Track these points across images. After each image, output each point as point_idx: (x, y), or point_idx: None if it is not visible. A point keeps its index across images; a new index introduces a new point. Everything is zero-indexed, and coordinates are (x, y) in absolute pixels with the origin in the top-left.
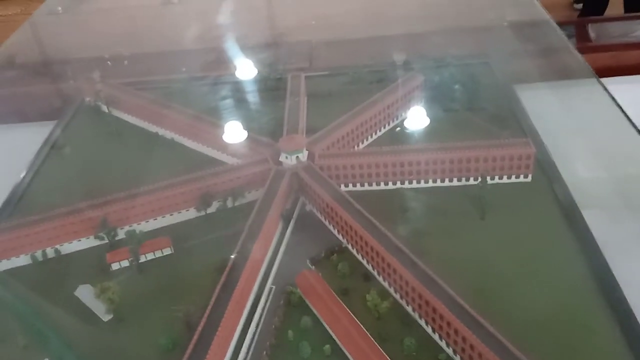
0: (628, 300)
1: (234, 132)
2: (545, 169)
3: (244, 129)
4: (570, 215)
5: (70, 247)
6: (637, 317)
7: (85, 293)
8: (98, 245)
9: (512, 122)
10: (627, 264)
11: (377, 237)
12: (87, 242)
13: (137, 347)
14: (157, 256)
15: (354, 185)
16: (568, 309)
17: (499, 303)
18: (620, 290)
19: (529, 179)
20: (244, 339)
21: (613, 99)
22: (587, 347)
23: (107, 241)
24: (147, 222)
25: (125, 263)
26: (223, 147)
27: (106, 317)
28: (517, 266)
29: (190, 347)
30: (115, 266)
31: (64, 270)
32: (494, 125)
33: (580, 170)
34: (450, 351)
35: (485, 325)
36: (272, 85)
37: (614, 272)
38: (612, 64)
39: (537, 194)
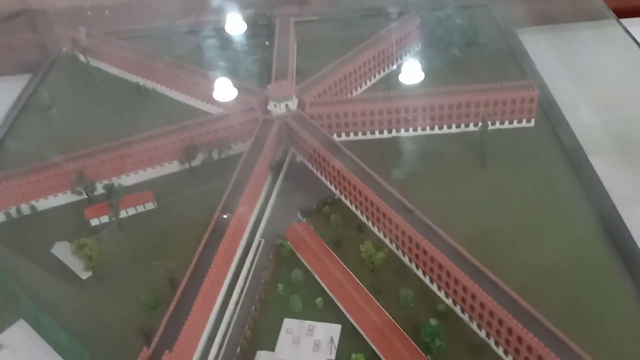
0: None
1: (219, 81)
2: (549, 114)
3: (229, 77)
4: (577, 161)
5: (46, 203)
6: None
7: (62, 250)
8: (76, 201)
9: (514, 66)
10: (638, 211)
11: (371, 185)
12: (64, 198)
13: (117, 306)
14: (139, 211)
15: (347, 135)
16: (576, 258)
17: (501, 253)
18: (632, 238)
19: (532, 123)
20: (232, 295)
21: (635, 40)
22: (596, 296)
23: (86, 196)
24: (127, 175)
25: (105, 219)
26: (207, 96)
27: (85, 275)
28: (521, 214)
29: (173, 304)
30: (94, 222)
31: (40, 227)
32: (494, 69)
33: (587, 115)
34: (449, 301)
35: (487, 274)
36: (259, 32)
37: (624, 220)
38: (612, 7)
39: (540, 140)
